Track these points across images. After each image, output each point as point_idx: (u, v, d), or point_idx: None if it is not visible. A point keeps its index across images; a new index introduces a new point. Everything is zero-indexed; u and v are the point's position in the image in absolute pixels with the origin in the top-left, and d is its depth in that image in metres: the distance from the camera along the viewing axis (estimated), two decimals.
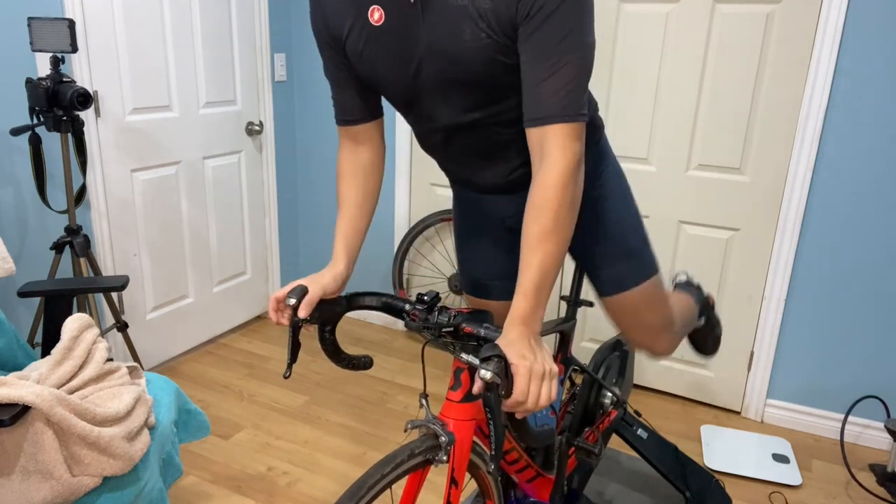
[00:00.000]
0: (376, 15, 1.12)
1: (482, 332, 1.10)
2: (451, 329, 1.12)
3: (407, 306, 1.18)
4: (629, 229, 1.43)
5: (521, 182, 1.37)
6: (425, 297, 1.14)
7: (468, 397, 1.18)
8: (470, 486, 2.14)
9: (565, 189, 1.04)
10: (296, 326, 1.16)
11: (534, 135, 1.07)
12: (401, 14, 1.10)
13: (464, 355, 1.12)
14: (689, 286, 1.99)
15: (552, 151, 1.05)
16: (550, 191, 1.04)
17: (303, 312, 1.15)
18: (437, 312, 1.14)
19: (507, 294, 1.58)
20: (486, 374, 0.96)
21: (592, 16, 1.06)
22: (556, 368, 1.00)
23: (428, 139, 1.33)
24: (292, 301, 1.15)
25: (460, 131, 1.26)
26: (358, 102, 1.26)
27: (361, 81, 1.24)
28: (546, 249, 1.04)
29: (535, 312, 1.04)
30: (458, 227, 1.59)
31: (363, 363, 1.29)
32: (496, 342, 1.00)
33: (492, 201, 1.45)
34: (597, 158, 1.41)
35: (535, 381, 0.97)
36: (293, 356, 1.19)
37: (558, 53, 1.03)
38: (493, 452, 1.06)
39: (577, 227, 1.41)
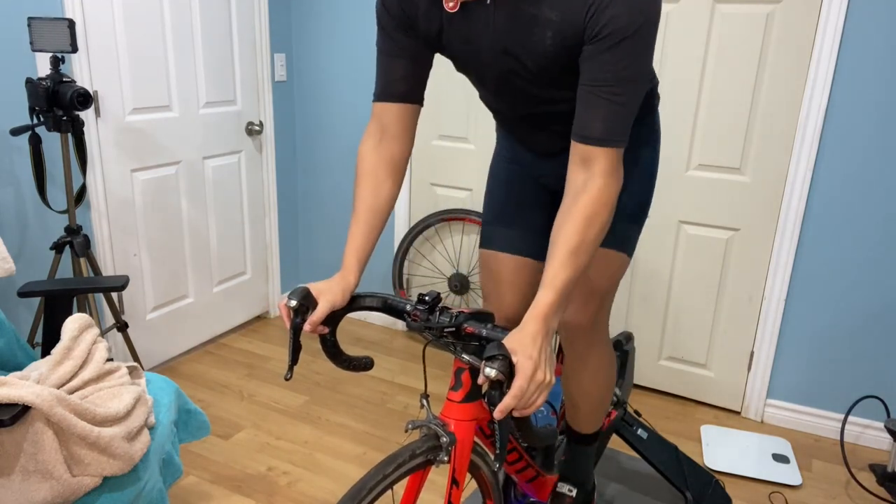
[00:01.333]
0: (451, 3, 1.15)
1: (484, 332, 1.10)
2: (453, 329, 1.12)
3: (408, 307, 1.18)
4: (633, 202, 1.44)
5: (559, 152, 1.43)
6: (426, 298, 1.14)
7: (469, 397, 1.18)
8: (470, 486, 2.13)
9: (612, 209, 1.11)
10: (297, 328, 1.16)
11: (579, 148, 1.12)
12: (474, 7, 1.15)
13: (465, 356, 1.12)
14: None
15: (603, 174, 1.10)
16: (602, 209, 1.10)
17: (309, 328, 1.15)
18: (438, 313, 1.14)
19: (529, 250, 1.56)
20: (491, 371, 0.96)
21: (654, 46, 1.09)
22: (553, 381, 1.01)
23: (489, 103, 1.39)
24: (293, 303, 1.14)
25: (520, 111, 1.33)
26: (404, 75, 1.24)
27: (420, 56, 1.24)
28: (583, 258, 1.09)
29: (557, 310, 1.07)
30: (495, 176, 1.59)
31: (363, 364, 1.29)
32: (508, 337, 1.01)
33: (533, 159, 1.50)
34: (652, 125, 1.46)
35: (533, 386, 0.98)
36: (294, 358, 1.18)
37: (616, 83, 1.07)
38: (497, 452, 1.06)
39: None
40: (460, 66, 1.28)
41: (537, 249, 1.56)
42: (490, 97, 1.34)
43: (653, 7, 1.05)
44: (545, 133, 1.39)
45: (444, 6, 1.16)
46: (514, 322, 1.60)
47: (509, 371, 0.97)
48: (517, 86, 1.24)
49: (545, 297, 1.06)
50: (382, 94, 1.26)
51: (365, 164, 1.27)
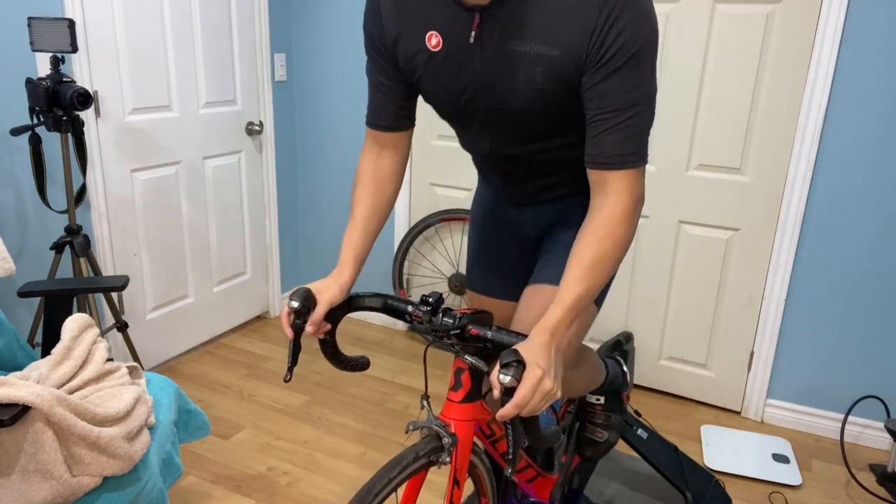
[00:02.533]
0: (434, 41, 1.14)
1: (489, 334, 1.10)
2: (457, 331, 1.12)
3: (409, 308, 1.18)
4: None
5: (538, 200, 1.42)
6: (429, 299, 1.14)
7: (469, 398, 1.18)
8: (468, 486, 2.14)
9: (629, 224, 1.10)
10: (298, 330, 1.16)
11: (595, 174, 1.11)
12: (458, 46, 1.12)
13: (468, 357, 1.12)
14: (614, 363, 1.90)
15: (619, 193, 1.09)
16: (616, 224, 1.08)
17: (310, 329, 1.16)
18: (441, 314, 1.14)
19: (508, 294, 1.59)
20: (505, 378, 0.96)
21: (656, 63, 1.08)
22: (559, 395, 1.01)
23: (468, 146, 1.36)
24: (295, 304, 1.14)
25: (499, 156, 1.31)
26: (393, 110, 1.26)
27: (404, 91, 1.25)
28: (597, 274, 1.08)
29: (568, 327, 1.06)
30: (473, 218, 1.61)
31: (361, 364, 1.29)
32: (516, 347, 1.00)
33: (509, 208, 1.50)
34: None
35: (538, 395, 0.97)
36: (294, 359, 1.18)
37: (625, 104, 1.05)
38: (510, 457, 1.06)
39: (574, 201, 1.41)
40: (439, 108, 1.25)
41: (519, 292, 1.57)
42: (468, 139, 1.32)
43: (653, 25, 1.04)
44: (520, 183, 1.37)
45: (427, 44, 1.14)
46: None
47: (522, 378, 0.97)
48: (495, 126, 1.22)
49: (555, 312, 1.05)
50: (376, 125, 1.28)
51: (365, 170, 1.29)
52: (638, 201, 1.10)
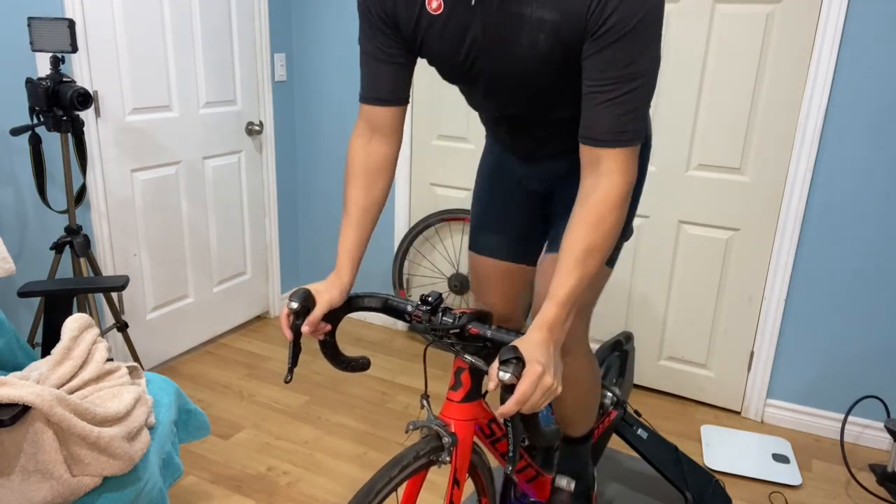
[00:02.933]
0: (434, 3, 1.12)
1: (489, 333, 1.10)
2: (457, 330, 1.12)
3: (409, 307, 1.18)
4: None
5: (544, 156, 1.40)
6: (429, 299, 1.14)
7: (469, 397, 1.18)
8: (468, 486, 2.13)
9: (620, 211, 1.06)
10: (297, 331, 1.16)
11: (589, 151, 1.08)
12: (459, 9, 1.10)
13: (468, 356, 1.12)
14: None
15: (611, 174, 1.06)
16: (608, 211, 1.06)
17: (307, 329, 1.15)
18: (441, 314, 1.14)
19: (511, 256, 1.55)
20: (505, 375, 0.96)
21: (660, 35, 1.04)
22: (560, 390, 1.00)
23: (475, 106, 1.36)
24: (294, 305, 1.14)
25: (506, 116, 1.30)
26: (390, 80, 1.22)
27: (402, 58, 1.21)
28: (589, 265, 1.06)
29: (564, 322, 1.05)
30: (480, 171, 1.58)
31: (361, 364, 1.29)
32: (514, 343, 1.00)
33: (518, 163, 1.47)
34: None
35: (539, 391, 0.97)
36: (294, 360, 1.18)
37: (623, 79, 1.02)
38: (510, 455, 1.06)
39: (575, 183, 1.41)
40: (443, 71, 1.24)
41: (522, 255, 1.54)
42: (474, 99, 1.31)
43: None
44: (528, 137, 1.36)
45: (427, 7, 1.13)
46: (501, 320, 1.60)
47: (520, 373, 0.97)
48: (500, 89, 1.21)
49: (549, 309, 1.04)
50: (369, 98, 1.24)
51: (356, 163, 1.26)
52: (630, 184, 1.07)
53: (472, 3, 1.08)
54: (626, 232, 1.44)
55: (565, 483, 1.62)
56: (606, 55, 1.02)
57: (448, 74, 1.24)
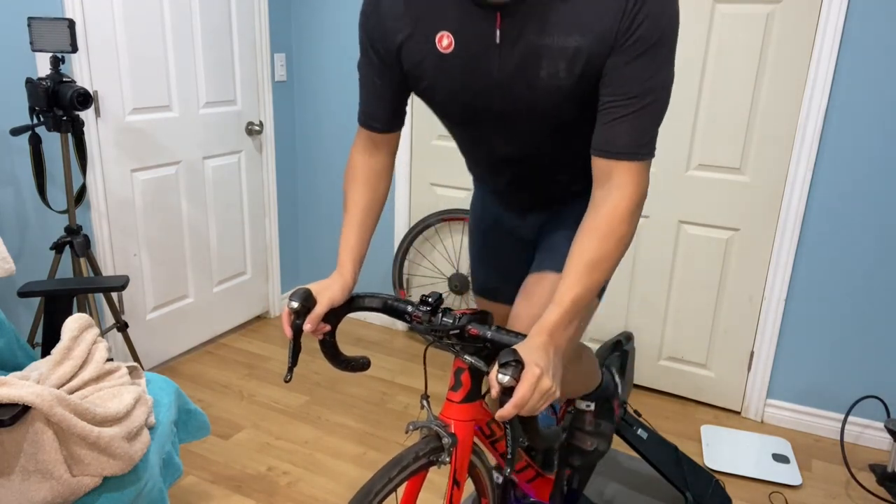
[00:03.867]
0: (445, 42, 1.10)
1: (489, 334, 1.10)
2: (457, 331, 1.12)
3: (409, 308, 1.18)
4: None
5: (540, 206, 1.41)
6: (429, 299, 1.14)
7: (469, 398, 1.18)
8: (468, 487, 2.13)
9: (630, 223, 1.07)
10: (297, 330, 1.15)
11: (601, 164, 1.08)
12: (475, 45, 1.09)
13: (468, 357, 1.12)
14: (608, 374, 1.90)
15: (623, 186, 1.06)
16: (618, 223, 1.06)
17: (309, 327, 1.15)
18: (441, 314, 1.14)
19: (511, 299, 1.59)
20: (504, 377, 0.95)
21: (674, 55, 1.05)
22: (558, 394, 1.00)
23: (471, 152, 1.34)
24: (294, 304, 1.14)
25: (508, 160, 1.28)
26: (387, 113, 1.24)
27: (399, 94, 1.22)
28: (597, 274, 1.06)
29: (566, 328, 1.05)
30: (473, 229, 1.60)
31: (361, 364, 1.29)
32: (515, 347, 1.00)
33: (508, 214, 1.49)
34: None
35: (537, 394, 0.97)
36: (294, 360, 1.18)
37: (640, 95, 1.03)
38: (509, 457, 1.06)
39: (573, 198, 1.41)
40: (449, 112, 1.22)
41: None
42: (473, 144, 1.29)
43: (676, 13, 1.02)
44: (529, 185, 1.35)
45: (437, 45, 1.10)
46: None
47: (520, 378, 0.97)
48: (509, 128, 1.19)
49: (552, 313, 1.04)
50: (368, 124, 1.26)
51: (357, 169, 1.27)
52: (642, 197, 1.08)
53: (497, 40, 1.07)
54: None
55: (584, 405, 1.68)
56: (628, 69, 1.03)
57: (453, 116, 1.22)
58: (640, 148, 1.05)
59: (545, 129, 1.18)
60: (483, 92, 1.13)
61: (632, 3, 0.99)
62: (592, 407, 1.68)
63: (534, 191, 1.37)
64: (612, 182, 1.07)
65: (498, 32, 1.06)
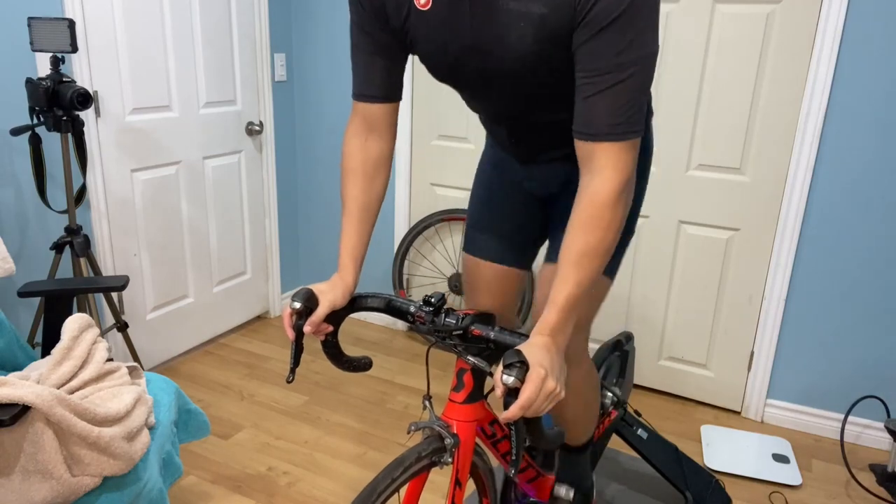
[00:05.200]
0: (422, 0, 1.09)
1: (492, 335, 1.10)
2: (460, 332, 1.11)
3: (412, 308, 1.17)
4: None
5: (545, 160, 1.37)
6: (432, 300, 1.14)
7: (471, 398, 1.18)
8: (469, 486, 2.13)
9: (615, 209, 1.02)
10: (299, 331, 1.15)
11: (583, 147, 1.04)
12: (449, 5, 1.07)
13: (471, 358, 1.11)
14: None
15: (604, 169, 1.02)
16: (600, 210, 1.01)
17: (309, 329, 1.14)
18: (444, 315, 1.13)
19: (507, 259, 1.52)
20: (509, 378, 0.95)
21: (656, 22, 1.00)
22: (563, 394, 0.99)
23: (469, 104, 1.33)
24: (297, 305, 1.14)
25: (501, 115, 1.26)
26: (382, 74, 1.19)
27: (395, 51, 1.19)
28: (587, 268, 1.02)
29: (565, 327, 1.04)
30: (479, 178, 1.55)
31: (363, 364, 1.29)
32: (518, 347, 0.99)
33: (517, 165, 1.45)
34: (643, 143, 1.37)
35: (543, 395, 0.96)
36: (296, 360, 1.18)
37: (615, 67, 0.98)
38: (513, 458, 1.06)
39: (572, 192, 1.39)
40: (433, 69, 1.20)
41: (516, 258, 1.52)
42: (467, 98, 1.29)
43: None
44: (527, 139, 1.33)
45: (415, 2, 1.09)
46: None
47: (525, 379, 0.97)
48: (493, 88, 1.18)
49: (549, 314, 1.03)
50: (364, 95, 1.21)
51: (353, 161, 1.24)
52: (625, 181, 1.02)
53: (469, 2, 1.05)
54: (625, 237, 1.41)
55: (564, 492, 1.62)
56: (595, 44, 0.98)
57: (438, 73, 1.21)
58: (618, 127, 1.00)
59: (525, 90, 1.16)
60: (459, 51, 1.12)
61: None
62: (571, 495, 1.62)
63: (532, 145, 1.34)
64: (593, 165, 1.03)
65: None
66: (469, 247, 1.55)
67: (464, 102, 1.35)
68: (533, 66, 1.09)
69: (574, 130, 1.05)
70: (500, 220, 1.51)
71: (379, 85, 1.20)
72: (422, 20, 1.11)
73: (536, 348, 0.99)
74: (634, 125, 1.01)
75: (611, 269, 1.40)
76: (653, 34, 0.99)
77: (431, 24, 1.10)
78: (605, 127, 1.00)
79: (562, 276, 1.03)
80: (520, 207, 1.50)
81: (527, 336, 1.06)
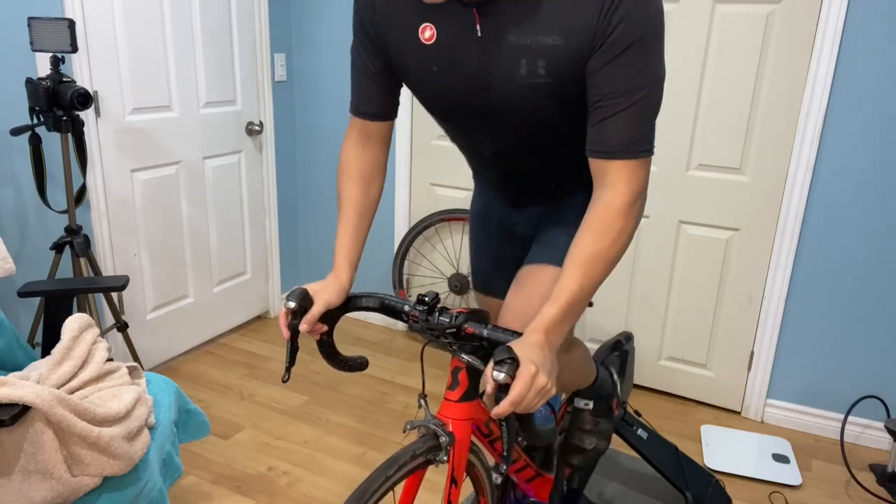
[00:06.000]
0: (427, 33, 1.10)
1: (485, 332, 1.10)
2: (454, 330, 1.12)
3: (406, 307, 1.18)
4: None
5: (535, 202, 1.40)
6: (426, 299, 1.14)
7: (466, 396, 1.18)
8: (467, 485, 2.13)
9: (628, 218, 1.05)
10: (294, 331, 1.16)
11: (596, 164, 1.07)
12: (456, 40, 1.09)
13: (465, 356, 1.12)
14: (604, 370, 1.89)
15: (617, 184, 1.05)
16: (614, 217, 1.05)
17: (305, 328, 1.15)
18: (437, 313, 1.14)
19: (498, 293, 1.61)
20: (499, 375, 0.96)
21: (663, 46, 1.04)
22: (554, 391, 1.00)
23: (462, 146, 1.34)
24: (291, 304, 1.14)
25: (497, 155, 1.28)
26: (381, 98, 1.22)
27: (392, 79, 1.21)
28: (591, 272, 1.05)
29: (561, 326, 1.05)
30: (473, 221, 1.61)
31: (359, 364, 1.29)
32: (510, 344, 1.00)
33: (507, 209, 1.50)
34: None
35: (533, 392, 0.97)
36: (291, 360, 1.18)
37: (629, 91, 1.02)
38: (504, 454, 1.06)
39: (571, 194, 1.41)
40: (433, 106, 1.22)
41: None
42: (462, 139, 1.29)
43: (658, 8, 1.02)
44: (519, 179, 1.35)
45: (420, 36, 1.10)
46: None
47: (515, 375, 0.97)
48: (492, 124, 1.19)
49: (548, 311, 1.04)
50: (361, 113, 1.25)
51: (351, 166, 1.26)
52: (638, 194, 1.06)
53: (479, 35, 1.06)
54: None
55: (583, 404, 1.67)
56: (613, 68, 1.01)
57: (438, 109, 1.22)
58: (632, 146, 1.04)
59: (527, 126, 1.18)
60: (463, 87, 1.13)
61: (608, 3, 0.99)
62: (591, 405, 1.67)
63: (526, 186, 1.37)
64: (606, 181, 1.07)
65: (478, 28, 1.07)
66: (477, 286, 1.64)
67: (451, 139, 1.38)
68: (537, 99, 1.11)
69: (589, 150, 1.08)
70: (497, 262, 1.58)
71: (374, 105, 1.24)
72: (426, 55, 1.12)
73: (528, 345, 1.00)
74: (647, 143, 1.06)
75: None
76: (662, 57, 1.04)
77: (435, 59, 1.12)
78: (620, 146, 1.04)
79: (567, 275, 1.05)
80: (514, 249, 1.55)
81: (520, 334, 1.07)
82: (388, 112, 1.25)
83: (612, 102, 1.03)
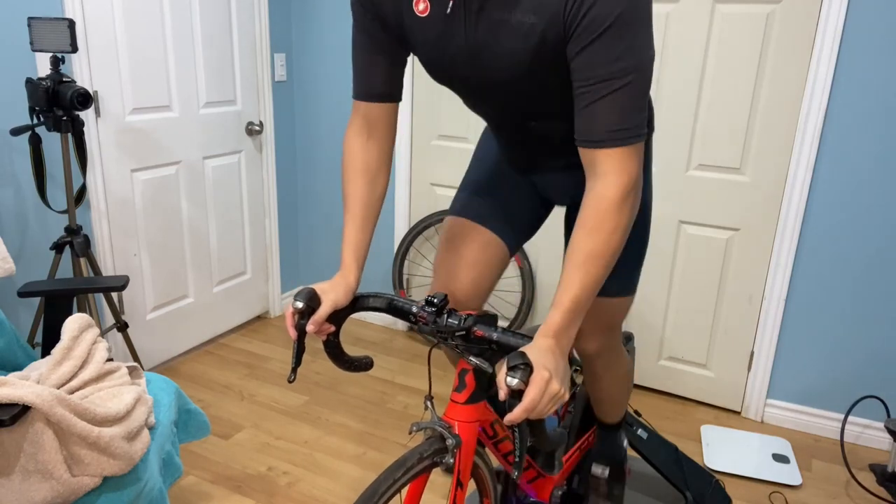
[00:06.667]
0: (421, 6, 1.09)
1: (495, 336, 1.09)
2: (463, 332, 1.11)
3: (415, 308, 1.17)
4: (633, 247, 1.41)
5: (546, 168, 1.37)
6: (434, 300, 1.13)
7: (473, 399, 1.18)
8: (469, 486, 2.13)
9: (620, 212, 1.02)
10: (302, 330, 1.15)
11: (586, 154, 1.04)
12: (445, 13, 1.08)
13: (473, 359, 1.11)
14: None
15: (608, 174, 1.02)
16: (605, 213, 1.02)
17: (312, 328, 1.14)
18: (446, 315, 1.13)
19: (496, 228, 1.45)
20: (513, 381, 0.95)
21: (650, 27, 1.00)
22: (567, 396, 0.99)
23: (470, 109, 1.33)
24: (299, 304, 1.13)
25: (500, 121, 1.28)
26: (383, 74, 1.20)
27: (396, 51, 1.19)
28: (591, 271, 1.03)
29: (569, 329, 1.04)
30: (479, 158, 1.51)
31: (364, 364, 1.28)
32: (522, 350, 0.99)
33: (519, 169, 1.45)
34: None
35: (546, 397, 0.96)
36: (298, 360, 1.17)
37: (611, 75, 0.98)
38: (517, 460, 1.05)
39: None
40: (431, 71, 1.21)
41: (510, 233, 1.46)
42: (467, 102, 1.29)
43: None
44: (524, 146, 1.33)
45: (413, 8, 1.10)
46: (462, 305, 1.47)
47: (529, 382, 0.97)
48: (490, 96, 1.19)
49: (553, 317, 1.03)
50: (365, 95, 1.22)
51: (356, 160, 1.24)
52: (630, 184, 1.02)
53: (448, 10, 1.06)
54: (641, 250, 1.45)
55: (600, 471, 1.70)
56: (590, 54, 0.98)
57: (438, 77, 1.22)
58: (619, 132, 1.00)
59: (522, 99, 1.17)
60: (456, 58, 1.13)
61: None
62: (607, 473, 1.70)
63: (533, 152, 1.34)
64: (596, 170, 1.03)
65: (451, 4, 1.06)
66: (460, 209, 1.46)
67: (462, 103, 1.37)
68: (528, 76, 1.09)
69: (577, 140, 1.05)
70: (502, 190, 1.47)
71: (379, 84, 1.20)
72: (420, 27, 1.12)
73: (540, 351, 0.99)
74: (636, 129, 1.02)
75: (629, 287, 1.44)
76: (647, 39, 1.00)
77: (429, 31, 1.11)
78: (607, 133, 1.01)
79: (566, 278, 1.03)
80: (524, 188, 1.47)
81: (530, 338, 1.06)
82: (392, 92, 1.22)
83: (593, 88, 1.00)
